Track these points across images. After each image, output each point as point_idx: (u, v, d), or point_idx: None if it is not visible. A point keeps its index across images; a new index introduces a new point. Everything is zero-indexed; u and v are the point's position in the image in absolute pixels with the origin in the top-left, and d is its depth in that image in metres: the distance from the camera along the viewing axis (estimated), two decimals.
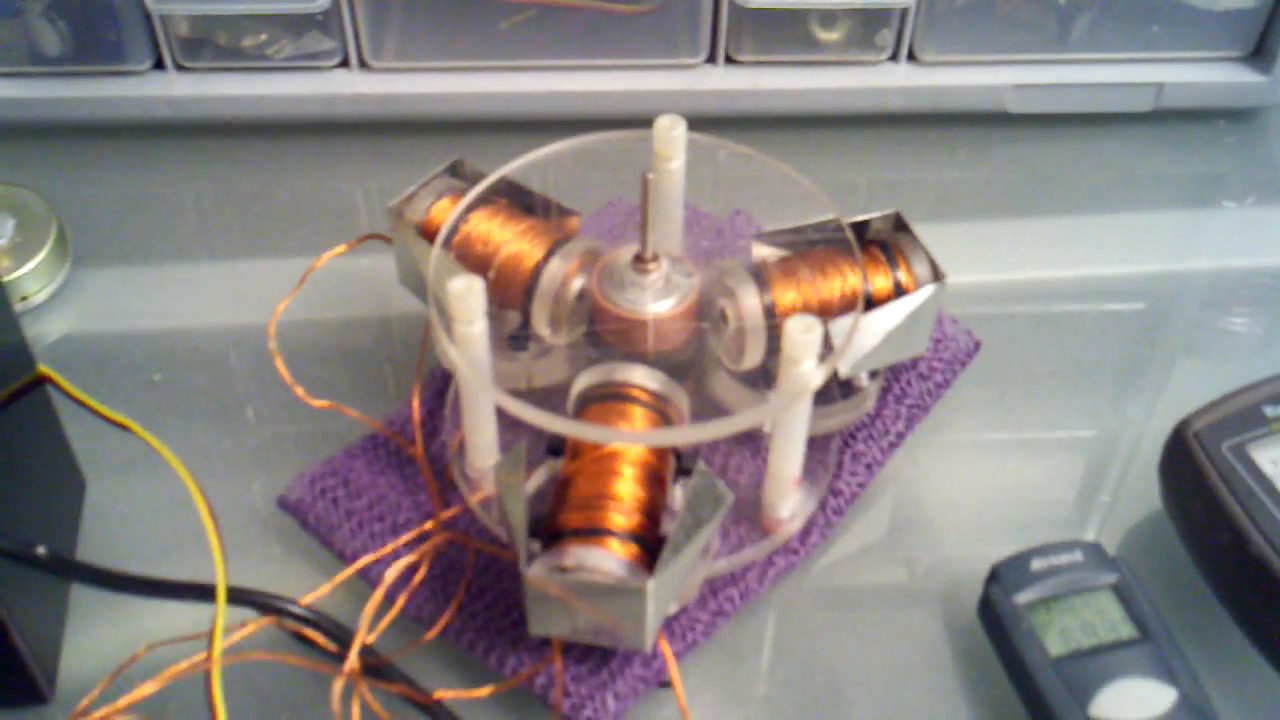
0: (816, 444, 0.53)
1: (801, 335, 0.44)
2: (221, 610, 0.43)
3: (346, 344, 0.61)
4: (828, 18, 0.69)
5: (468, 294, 0.46)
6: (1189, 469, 0.50)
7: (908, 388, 0.56)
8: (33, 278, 0.62)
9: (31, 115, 0.68)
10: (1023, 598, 0.48)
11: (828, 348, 0.48)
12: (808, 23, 0.69)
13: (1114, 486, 0.57)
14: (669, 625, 0.49)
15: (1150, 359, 0.63)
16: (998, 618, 0.48)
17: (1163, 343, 0.64)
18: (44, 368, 0.50)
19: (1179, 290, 0.67)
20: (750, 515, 0.52)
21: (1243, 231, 0.69)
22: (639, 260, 0.50)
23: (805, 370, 0.45)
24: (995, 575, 0.49)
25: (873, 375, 0.54)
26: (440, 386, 0.56)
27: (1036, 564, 0.49)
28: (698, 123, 0.55)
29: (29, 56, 0.67)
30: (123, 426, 0.48)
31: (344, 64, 0.69)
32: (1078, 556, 0.49)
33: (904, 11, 0.68)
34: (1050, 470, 0.57)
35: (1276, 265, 0.68)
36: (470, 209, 0.53)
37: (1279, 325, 0.65)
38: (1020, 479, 0.57)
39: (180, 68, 0.68)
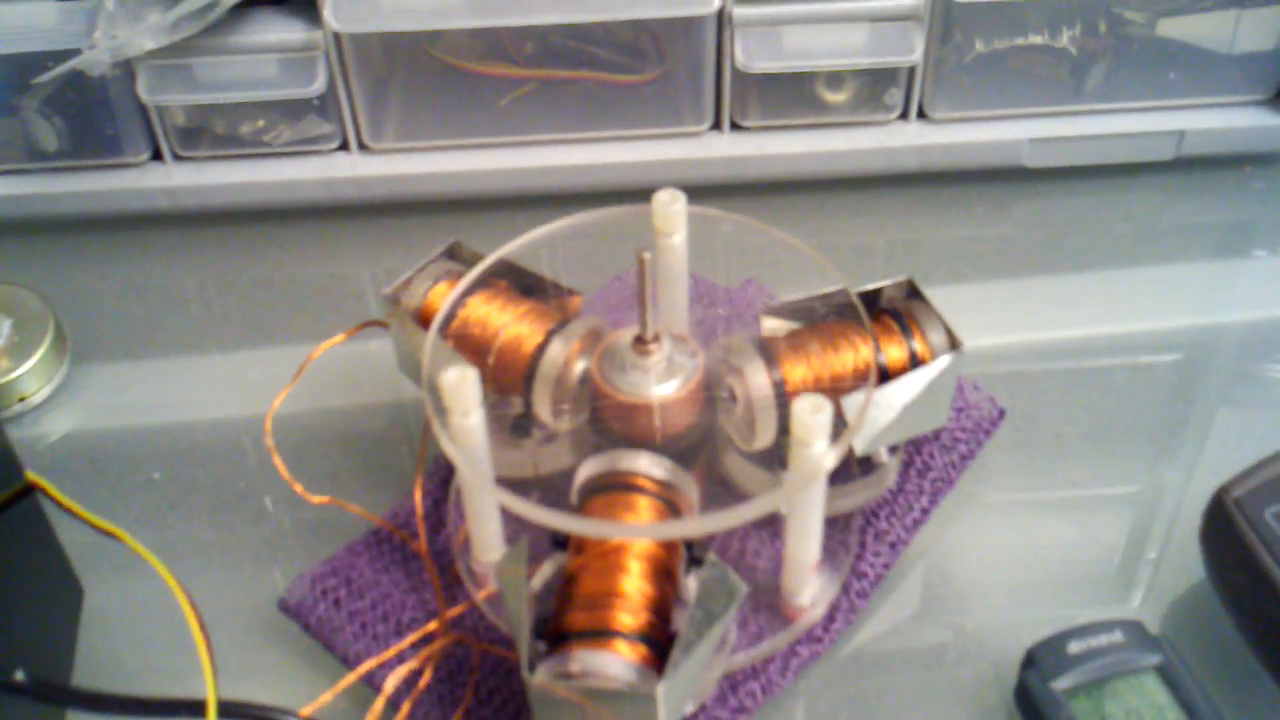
0: (837, 524, 0.51)
1: (810, 416, 0.42)
2: None
3: (352, 433, 0.60)
4: (834, 79, 0.67)
5: (461, 384, 0.44)
6: (1231, 539, 0.47)
7: (930, 461, 0.54)
8: (31, 377, 0.60)
9: (30, 212, 0.67)
10: (1061, 684, 0.45)
11: (843, 424, 0.46)
12: (814, 85, 0.68)
13: (1155, 555, 0.54)
14: None
15: (1188, 417, 0.60)
16: (1035, 706, 0.45)
17: (1200, 400, 0.61)
18: (32, 475, 0.48)
19: (1214, 343, 0.64)
20: (770, 603, 0.49)
21: (1278, 279, 0.67)
22: (639, 342, 0.48)
23: (817, 452, 0.43)
24: (1031, 659, 0.46)
25: (892, 450, 0.52)
26: (445, 476, 0.55)
27: (1074, 646, 0.46)
28: (706, 191, 0.54)
29: (26, 154, 0.66)
30: (112, 535, 0.47)
31: (343, 147, 0.67)
32: (1118, 637, 0.46)
33: (912, 69, 0.66)
34: (1087, 541, 0.55)
35: None
36: (468, 293, 0.52)
37: None
38: (1055, 552, 0.54)
39: (178, 157, 0.67)
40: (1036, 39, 0.67)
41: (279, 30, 0.63)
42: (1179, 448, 0.59)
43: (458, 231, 0.56)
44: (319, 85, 0.64)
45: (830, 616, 0.50)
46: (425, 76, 0.68)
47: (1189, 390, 0.61)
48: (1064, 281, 0.66)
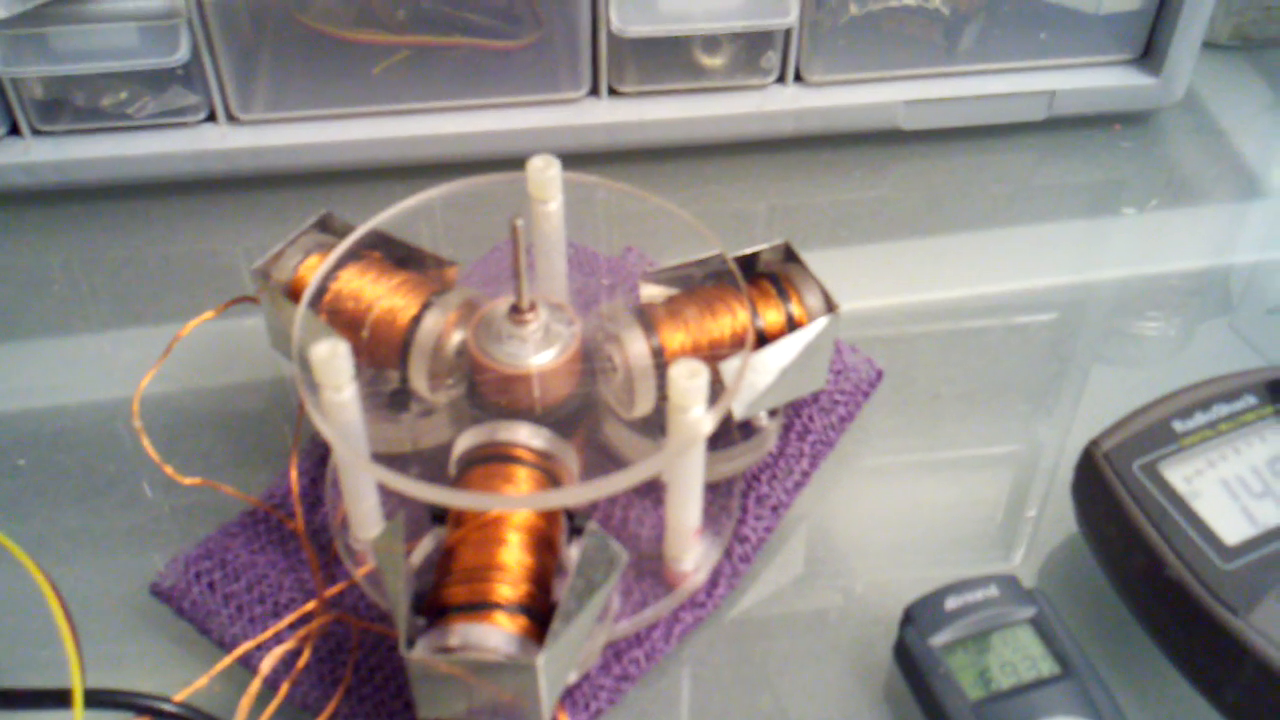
0: (718, 489, 0.51)
1: (687, 381, 0.42)
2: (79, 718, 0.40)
3: (228, 412, 0.58)
4: (710, 43, 0.67)
5: (332, 358, 0.43)
6: (1100, 492, 0.48)
7: (810, 423, 0.54)
8: None
9: None
10: (938, 639, 0.46)
11: (720, 388, 0.46)
12: (691, 49, 0.67)
13: (1032, 512, 0.55)
14: (569, 695, 0.46)
15: (1062, 374, 0.61)
16: (914, 662, 0.46)
17: (1074, 356, 0.62)
18: None
19: (1086, 301, 0.65)
20: (654, 570, 0.49)
21: (1146, 236, 0.68)
22: (515, 311, 0.48)
23: (694, 417, 0.43)
24: (909, 617, 0.47)
25: (772, 414, 0.52)
26: (322, 454, 0.54)
27: (951, 603, 0.47)
28: (585, 158, 0.53)
29: None
30: None
31: (211, 118, 0.66)
32: (993, 592, 0.47)
33: (788, 32, 0.66)
34: (964, 498, 0.56)
35: (1183, 269, 0.67)
36: (339, 266, 0.51)
37: (1191, 329, 0.64)
38: (934, 511, 0.55)
39: (37, 132, 0.65)
40: (910, 0, 0.68)
41: None
42: (1054, 405, 0.60)
43: (332, 203, 0.54)
44: (183, 54, 0.62)
45: (713, 581, 0.50)
46: (295, 44, 0.67)
47: (1063, 348, 0.62)
48: (940, 243, 0.67)
